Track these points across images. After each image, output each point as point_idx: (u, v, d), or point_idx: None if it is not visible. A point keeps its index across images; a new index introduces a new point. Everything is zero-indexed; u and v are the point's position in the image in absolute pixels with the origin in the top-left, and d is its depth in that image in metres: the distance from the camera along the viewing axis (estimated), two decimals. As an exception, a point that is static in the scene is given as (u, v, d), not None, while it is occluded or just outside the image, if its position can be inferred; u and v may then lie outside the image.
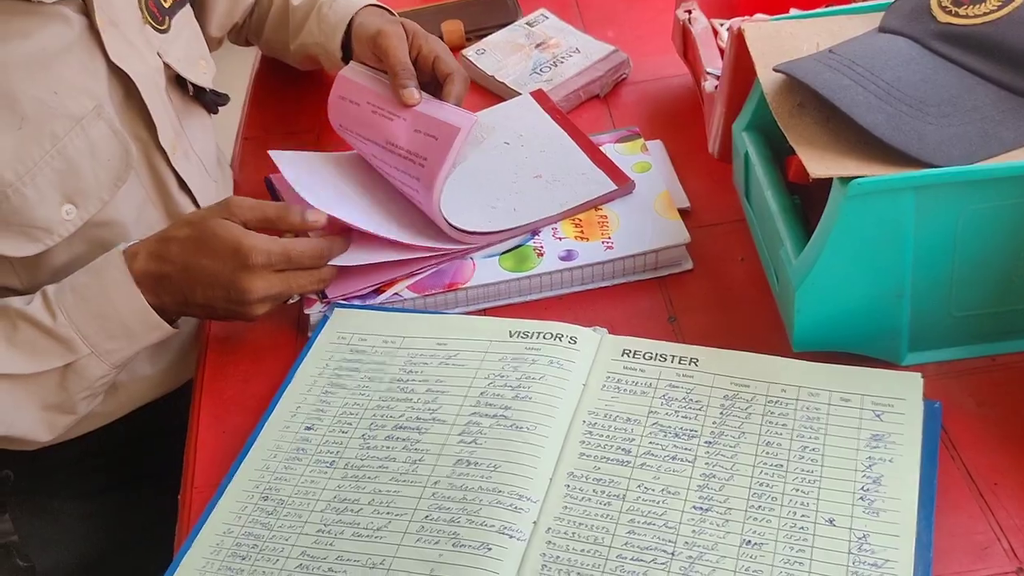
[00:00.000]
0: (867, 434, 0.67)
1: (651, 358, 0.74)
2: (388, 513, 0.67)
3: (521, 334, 0.76)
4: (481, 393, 0.73)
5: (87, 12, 0.81)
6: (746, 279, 0.82)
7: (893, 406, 0.68)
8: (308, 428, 0.74)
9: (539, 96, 1.00)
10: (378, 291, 0.83)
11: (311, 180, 0.87)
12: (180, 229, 0.79)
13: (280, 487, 0.70)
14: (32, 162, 0.77)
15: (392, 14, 1.00)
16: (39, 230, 0.79)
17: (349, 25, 0.98)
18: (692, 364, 0.73)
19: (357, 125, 0.90)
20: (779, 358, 0.72)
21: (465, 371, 0.75)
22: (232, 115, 1.09)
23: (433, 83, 0.92)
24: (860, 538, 0.61)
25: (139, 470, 0.94)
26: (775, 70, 0.72)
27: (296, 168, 0.87)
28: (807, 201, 0.76)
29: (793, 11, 0.95)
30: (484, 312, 0.83)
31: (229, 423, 0.78)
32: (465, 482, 0.67)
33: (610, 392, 0.72)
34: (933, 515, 0.62)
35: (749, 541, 0.62)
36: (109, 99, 0.82)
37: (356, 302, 0.83)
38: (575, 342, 0.75)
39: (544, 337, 0.75)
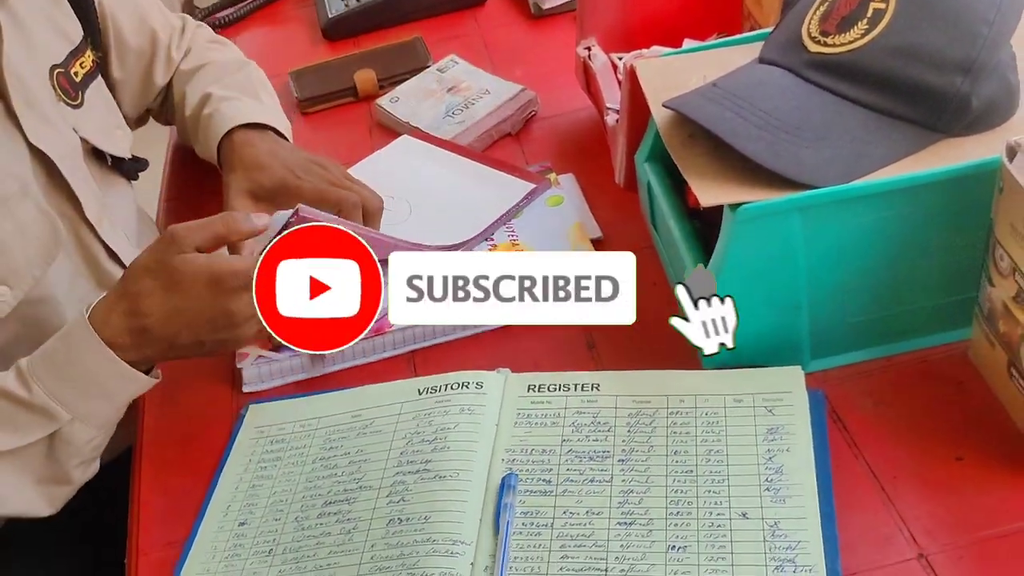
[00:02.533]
0: (763, 429, 0.71)
1: (555, 389, 0.77)
2: None
3: (430, 390, 0.79)
4: (401, 453, 0.75)
5: (3, 95, 0.83)
6: (659, 302, 0.84)
7: (782, 399, 0.72)
8: (241, 524, 0.74)
9: (418, 135, 1.03)
10: None
11: None
12: (142, 281, 0.76)
13: None
14: None
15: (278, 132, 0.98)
16: None
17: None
18: (594, 389, 0.76)
19: None
20: (674, 371, 0.76)
21: (383, 436, 0.77)
22: (155, 178, 1.11)
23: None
24: (772, 526, 0.66)
25: (90, 536, 0.94)
26: (664, 106, 0.76)
27: None
28: (712, 224, 0.80)
29: (687, 42, 1.00)
30: (412, 354, 0.86)
31: (172, 486, 0.79)
32: (400, 539, 0.69)
33: (523, 428, 0.75)
34: (832, 493, 0.67)
35: (674, 546, 0.66)
36: (33, 179, 0.84)
37: (271, 396, 0.84)
38: (481, 386, 0.77)
39: (451, 388, 0.78)
